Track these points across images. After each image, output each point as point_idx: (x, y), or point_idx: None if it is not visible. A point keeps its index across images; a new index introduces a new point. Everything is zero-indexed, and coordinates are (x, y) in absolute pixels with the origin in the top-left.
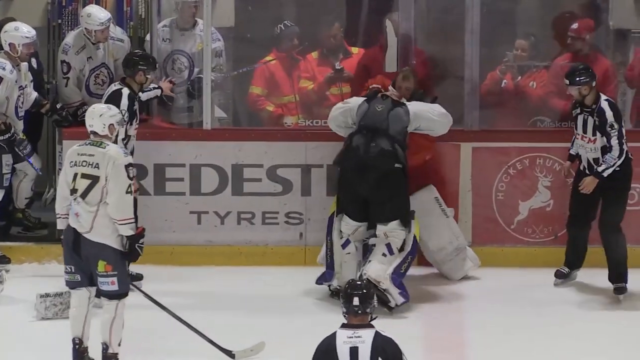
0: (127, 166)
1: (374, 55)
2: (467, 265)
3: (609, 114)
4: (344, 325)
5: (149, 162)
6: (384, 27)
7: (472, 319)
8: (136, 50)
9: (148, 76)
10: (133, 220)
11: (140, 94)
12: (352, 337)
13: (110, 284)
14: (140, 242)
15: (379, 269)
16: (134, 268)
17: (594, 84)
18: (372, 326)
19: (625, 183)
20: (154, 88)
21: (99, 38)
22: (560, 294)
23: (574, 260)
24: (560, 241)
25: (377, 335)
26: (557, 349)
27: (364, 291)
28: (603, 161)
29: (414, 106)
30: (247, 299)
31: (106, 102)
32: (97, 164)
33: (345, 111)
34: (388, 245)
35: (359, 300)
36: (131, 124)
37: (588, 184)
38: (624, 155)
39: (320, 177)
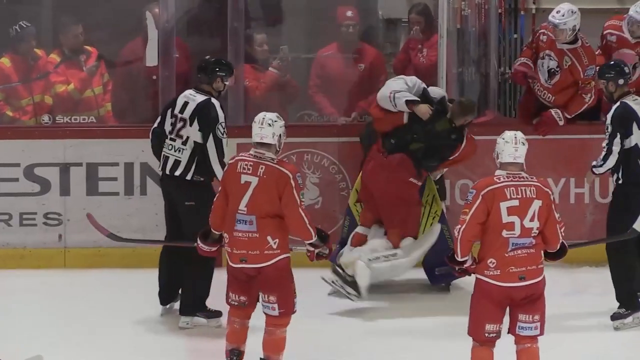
0: None
1: (135, 48)
2: None
3: (609, 115)
4: None
5: None
6: (144, 19)
7: None
8: None
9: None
10: None
11: None
12: None
13: None
14: None
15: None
16: None
17: (620, 81)
18: None
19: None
20: None
21: None
22: None
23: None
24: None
25: None
26: None
27: None
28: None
29: None
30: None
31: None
32: None
33: None
34: None
35: None
36: None
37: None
38: (609, 161)
39: (79, 176)
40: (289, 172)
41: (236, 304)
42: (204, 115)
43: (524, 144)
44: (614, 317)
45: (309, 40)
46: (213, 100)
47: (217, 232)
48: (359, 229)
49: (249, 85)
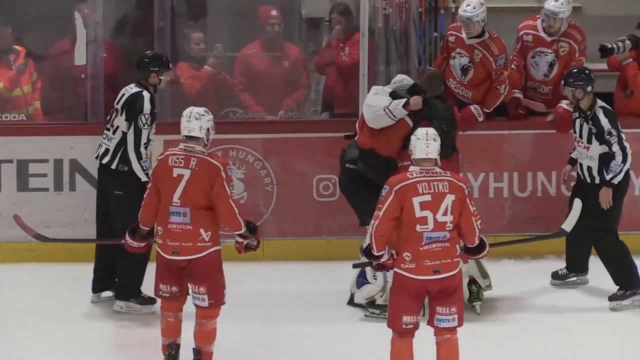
0: None
1: (64, 48)
2: None
3: (604, 122)
4: None
5: None
6: (73, 19)
7: None
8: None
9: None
10: None
11: None
12: None
13: None
14: None
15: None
16: None
17: (589, 88)
18: None
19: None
20: None
21: None
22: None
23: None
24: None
25: None
26: None
27: None
28: (609, 169)
29: None
30: None
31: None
32: None
33: None
34: None
35: None
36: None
37: (603, 197)
38: (628, 159)
39: (10, 172)
40: (219, 164)
41: (168, 295)
42: (132, 106)
43: (435, 140)
44: (612, 298)
45: (233, 39)
46: (145, 92)
47: (145, 228)
48: None
49: (186, 82)
